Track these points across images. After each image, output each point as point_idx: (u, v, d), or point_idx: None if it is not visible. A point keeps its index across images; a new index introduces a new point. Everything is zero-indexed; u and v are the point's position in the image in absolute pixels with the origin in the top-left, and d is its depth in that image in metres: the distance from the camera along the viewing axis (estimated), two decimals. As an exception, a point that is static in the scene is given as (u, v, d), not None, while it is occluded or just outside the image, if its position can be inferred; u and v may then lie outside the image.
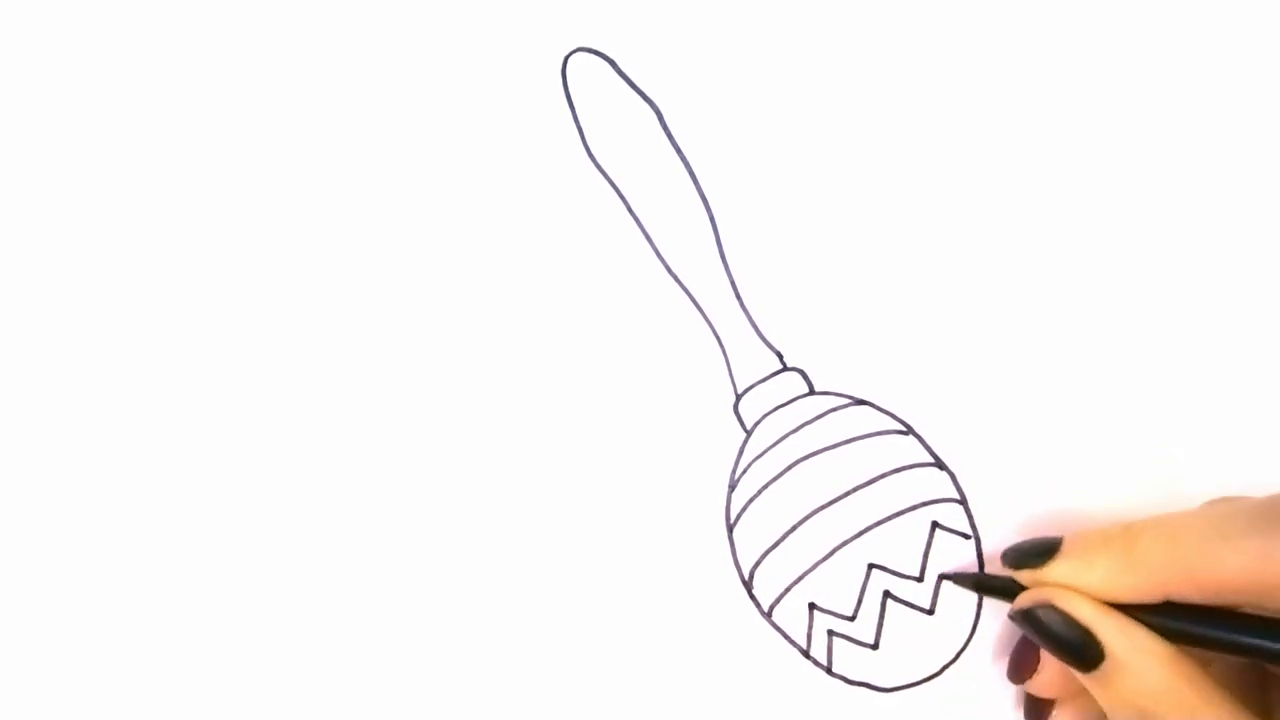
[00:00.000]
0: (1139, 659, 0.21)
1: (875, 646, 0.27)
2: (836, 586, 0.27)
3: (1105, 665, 0.21)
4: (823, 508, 0.27)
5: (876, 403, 0.27)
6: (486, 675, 0.27)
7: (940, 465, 0.27)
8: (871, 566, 0.27)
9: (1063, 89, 0.28)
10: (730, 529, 0.27)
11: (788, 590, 0.27)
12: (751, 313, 0.27)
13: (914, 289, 0.28)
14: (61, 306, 0.27)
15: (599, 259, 0.27)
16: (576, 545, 0.27)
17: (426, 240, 0.27)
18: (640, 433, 0.27)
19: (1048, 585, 0.22)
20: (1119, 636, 0.21)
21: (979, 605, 0.27)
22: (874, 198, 0.28)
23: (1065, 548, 0.22)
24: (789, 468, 0.27)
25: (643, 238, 0.27)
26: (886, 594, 0.27)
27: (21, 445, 0.27)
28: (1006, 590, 0.24)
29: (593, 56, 0.27)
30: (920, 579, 0.27)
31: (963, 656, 0.27)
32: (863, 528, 0.27)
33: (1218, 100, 0.28)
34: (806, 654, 0.27)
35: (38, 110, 0.28)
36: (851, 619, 0.27)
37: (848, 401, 0.27)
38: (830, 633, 0.27)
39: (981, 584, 0.26)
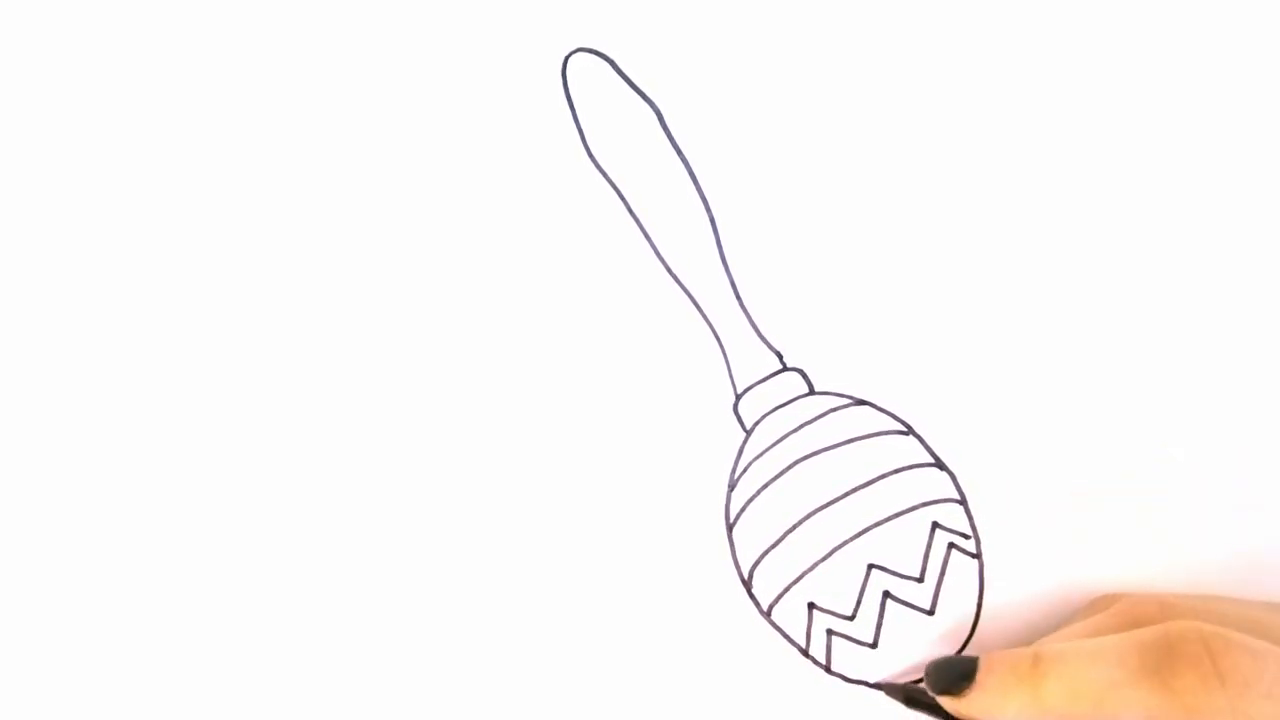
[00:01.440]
0: None
1: (874, 646, 0.27)
2: (836, 586, 0.27)
3: None
4: (822, 508, 0.27)
5: (876, 403, 0.27)
6: (486, 675, 0.27)
7: (940, 465, 0.27)
8: (871, 566, 0.27)
9: (1063, 89, 0.28)
10: (730, 529, 0.27)
11: (787, 590, 0.27)
12: (751, 313, 0.27)
13: (914, 289, 0.27)
14: (62, 306, 0.27)
15: (599, 259, 0.27)
16: (576, 544, 0.27)
17: (426, 240, 0.27)
18: (640, 432, 0.27)
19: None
20: None
21: (979, 606, 0.27)
22: (874, 197, 0.28)
23: (980, 678, 0.23)
24: (789, 468, 0.27)
25: (643, 238, 0.27)
26: (886, 594, 0.27)
27: (21, 445, 0.27)
28: (935, 707, 0.25)
29: (593, 56, 0.27)
30: (920, 579, 0.27)
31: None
32: (862, 528, 0.27)
33: (1217, 98, 0.28)
34: (806, 653, 0.27)
35: (38, 110, 0.28)
36: (851, 619, 0.27)
37: (848, 401, 0.27)
38: (829, 632, 0.27)
39: (910, 698, 0.26)
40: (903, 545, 0.27)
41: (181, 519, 0.27)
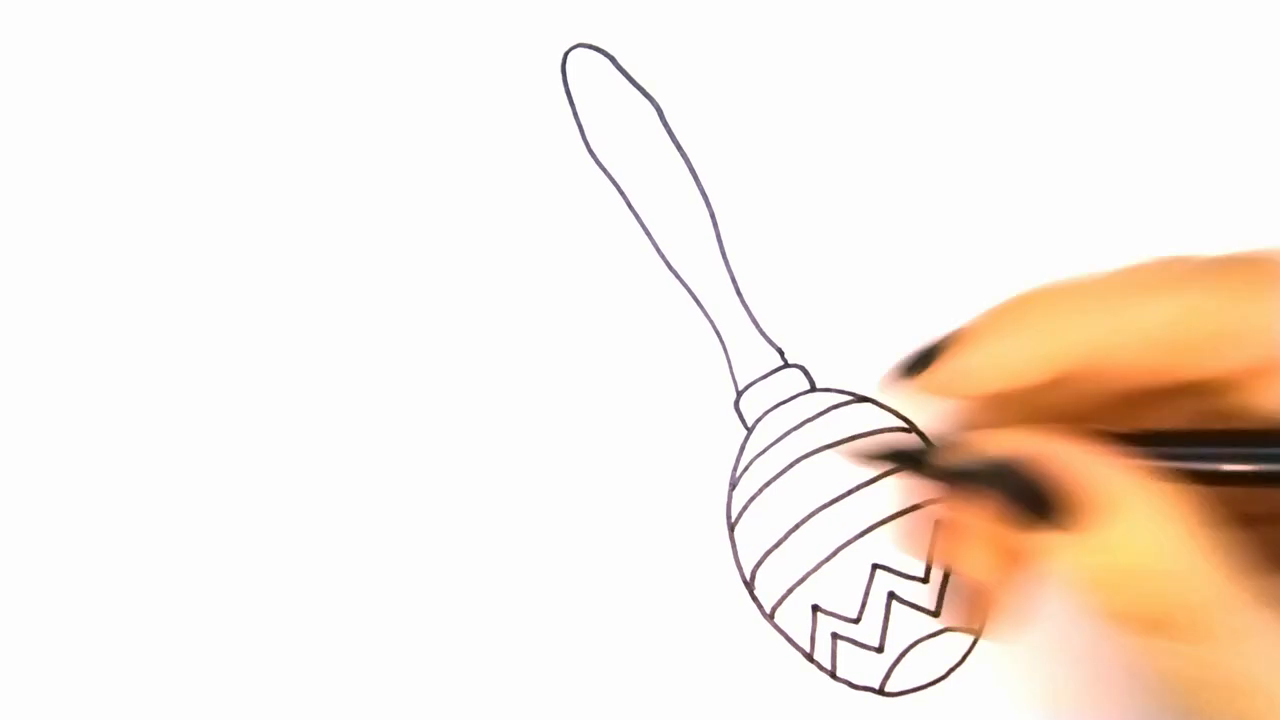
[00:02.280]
0: (1142, 515, 0.16)
1: (880, 649, 0.26)
2: (840, 588, 0.27)
3: (1096, 526, 0.16)
4: (825, 506, 0.27)
5: (878, 399, 0.27)
6: (486, 675, 0.26)
7: (943, 464, 0.27)
8: (875, 567, 0.27)
9: (1063, 89, 0.28)
10: (731, 528, 0.27)
11: (790, 591, 0.26)
12: (752, 309, 0.27)
13: (915, 285, 0.28)
14: (62, 306, 0.27)
15: (599, 255, 0.27)
16: (576, 544, 0.27)
17: (426, 237, 0.27)
18: (641, 430, 0.27)
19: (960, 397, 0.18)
20: (1117, 485, 0.16)
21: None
22: (875, 194, 0.28)
23: (955, 337, 0.18)
24: (790, 465, 0.27)
25: (643, 234, 0.27)
26: (891, 595, 0.27)
27: (21, 445, 0.27)
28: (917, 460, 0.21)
29: (593, 52, 0.28)
30: (925, 579, 0.27)
31: (968, 659, 0.27)
32: (866, 527, 0.27)
33: (1217, 101, 0.28)
34: (810, 657, 0.26)
35: (38, 110, 0.28)
36: (856, 621, 0.26)
37: (849, 398, 0.27)
38: (834, 635, 0.26)
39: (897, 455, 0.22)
40: (907, 545, 0.27)
41: (182, 519, 0.27)
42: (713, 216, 0.27)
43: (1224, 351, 0.15)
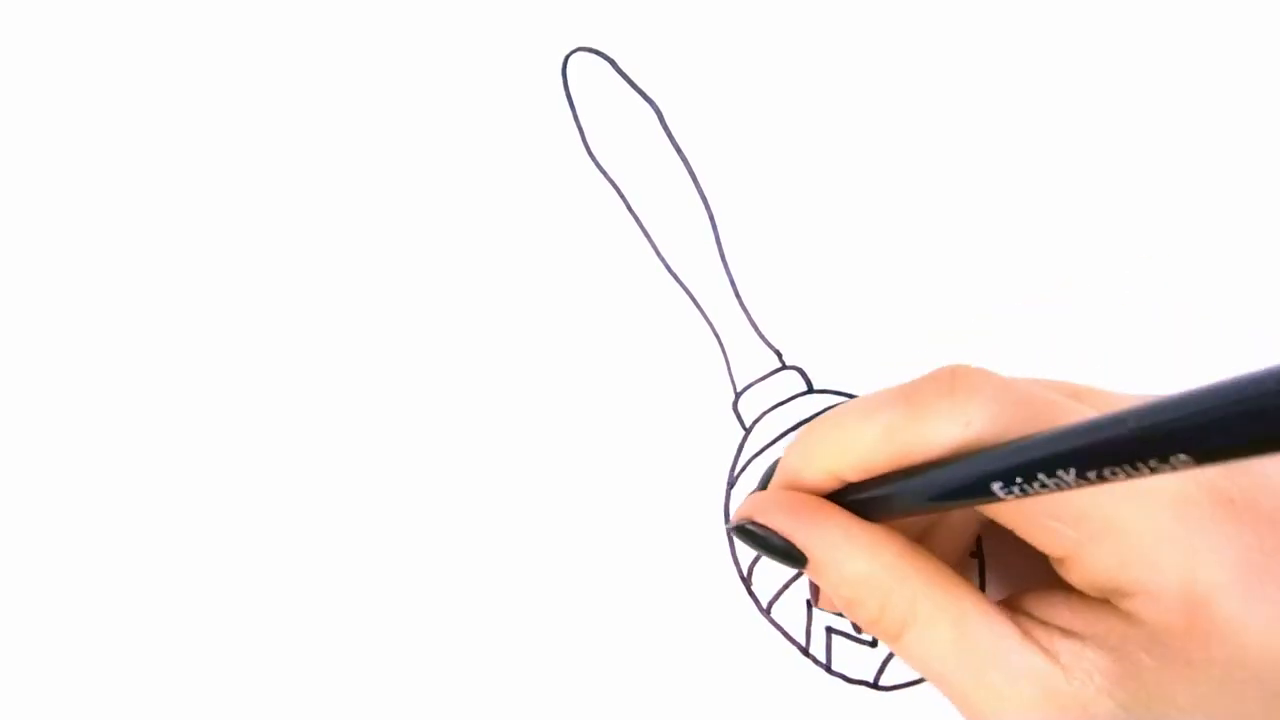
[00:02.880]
0: (832, 553, 0.21)
1: (874, 644, 0.27)
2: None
3: (810, 564, 0.22)
4: (821, 505, 0.27)
5: (875, 401, 0.27)
6: (486, 674, 0.27)
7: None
8: (870, 564, 0.27)
9: (1062, 90, 0.28)
10: (729, 527, 0.27)
11: (786, 587, 0.27)
12: (750, 311, 0.27)
13: (913, 287, 0.28)
14: (62, 306, 0.27)
15: (599, 258, 0.27)
16: (576, 543, 0.27)
17: (426, 239, 0.27)
18: (640, 431, 0.27)
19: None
20: (810, 535, 0.22)
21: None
22: (873, 197, 0.28)
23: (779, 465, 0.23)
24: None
25: (643, 237, 0.27)
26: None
27: (21, 445, 0.27)
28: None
29: (593, 56, 0.28)
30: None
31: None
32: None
33: (1217, 101, 0.28)
34: (806, 652, 0.27)
35: (38, 110, 0.28)
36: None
37: (846, 399, 0.27)
38: (829, 630, 0.27)
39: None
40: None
41: (182, 519, 0.27)
42: (712, 219, 0.28)
43: (914, 457, 0.20)
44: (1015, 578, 0.24)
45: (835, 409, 0.22)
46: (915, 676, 0.27)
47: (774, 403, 0.27)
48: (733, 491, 0.27)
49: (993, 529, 0.25)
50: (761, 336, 0.27)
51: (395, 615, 0.27)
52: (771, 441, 0.27)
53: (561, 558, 0.27)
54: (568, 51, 0.27)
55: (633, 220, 0.27)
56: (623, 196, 0.27)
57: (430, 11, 0.28)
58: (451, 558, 0.27)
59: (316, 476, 0.27)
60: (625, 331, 0.27)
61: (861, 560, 0.21)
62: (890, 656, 0.27)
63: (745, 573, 0.27)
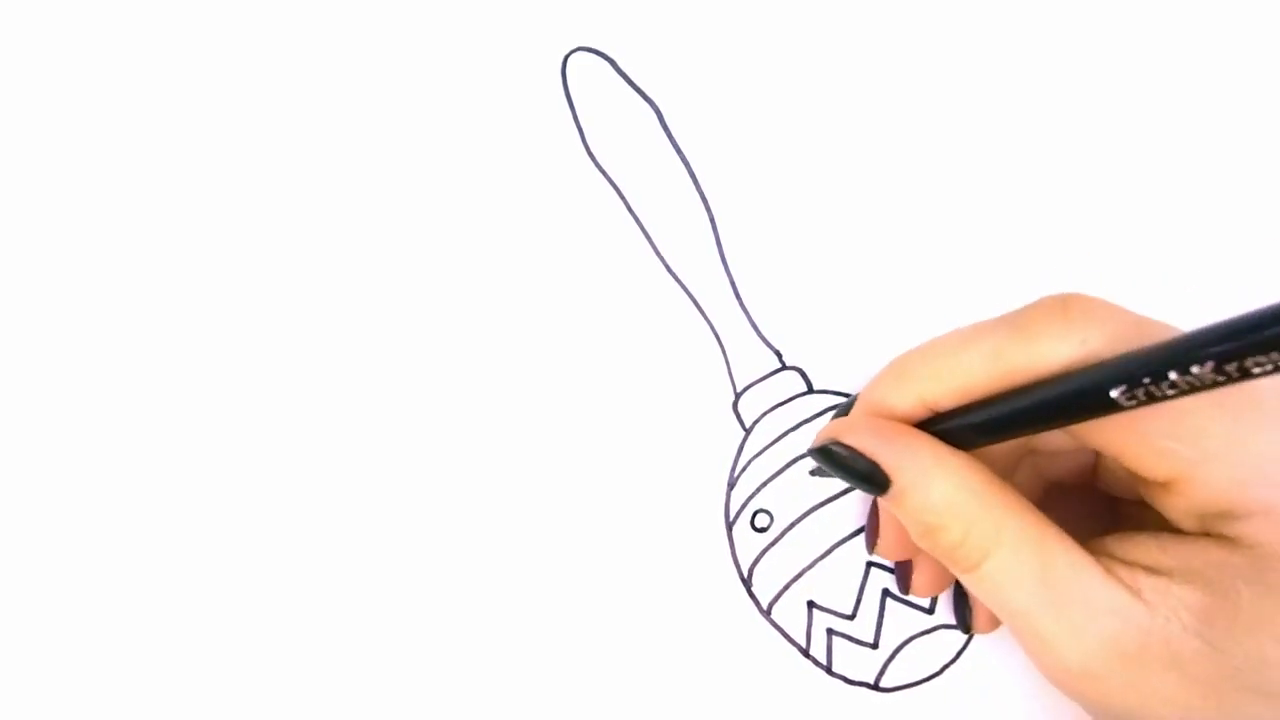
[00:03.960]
0: (920, 476, 0.21)
1: (875, 646, 0.27)
2: (835, 585, 0.27)
3: (893, 488, 0.21)
4: (821, 505, 0.27)
5: (875, 401, 0.27)
6: (486, 674, 0.27)
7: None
8: (870, 565, 0.27)
9: (1061, 91, 0.28)
10: (729, 527, 0.27)
11: (786, 588, 0.27)
12: (751, 312, 0.27)
13: (912, 288, 0.28)
14: (62, 306, 0.27)
15: (599, 258, 0.27)
16: (576, 543, 0.27)
17: (426, 239, 0.27)
18: (640, 431, 0.27)
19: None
20: (899, 457, 0.21)
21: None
22: (873, 197, 0.28)
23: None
24: (788, 465, 0.27)
25: (643, 237, 0.27)
26: (885, 592, 0.27)
27: (21, 445, 0.27)
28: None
29: (593, 56, 0.28)
30: (919, 577, 0.27)
31: (962, 656, 0.27)
32: (861, 525, 0.27)
33: (1217, 102, 0.28)
34: (806, 653, 0.27)
35: (38, 110, 0.28)
36: (851, 618, 0.27)
37: (846, 400, 0.27)
38: (830, 631, 0.27)
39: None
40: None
41: (182, 519, 0.27)
42: (712, 219, 0.28)
43: (1022, 377, 0.20)
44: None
45: (927, 341, 0.22)
46: (916, 678, 0.27)
47: (774, 403, 0.27)
48: (733, 492, 0.27)
49: (1049, 498, 0.25)
50: (761, 337, 0.27)
51: (395, 616, 0.27)
52: (772, 442, 0.27)
53: (561, 558, 0.27)
54: (567, 51, 0.27)
55: (633, 220, 0.27)
56: (623, 196, 0.27)
57: (430, 11, 0.28)
58: (452, 558, 0.27)
59: (316, 476, 0.27)
60: (625, 332, 0.27)
61: (950, 483, 0.21)
62: (891, 658, 0.27)
63: (745, 573, 0.27)
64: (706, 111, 0.28)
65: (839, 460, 0.22)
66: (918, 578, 0.26)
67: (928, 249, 0.28)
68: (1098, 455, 0.24)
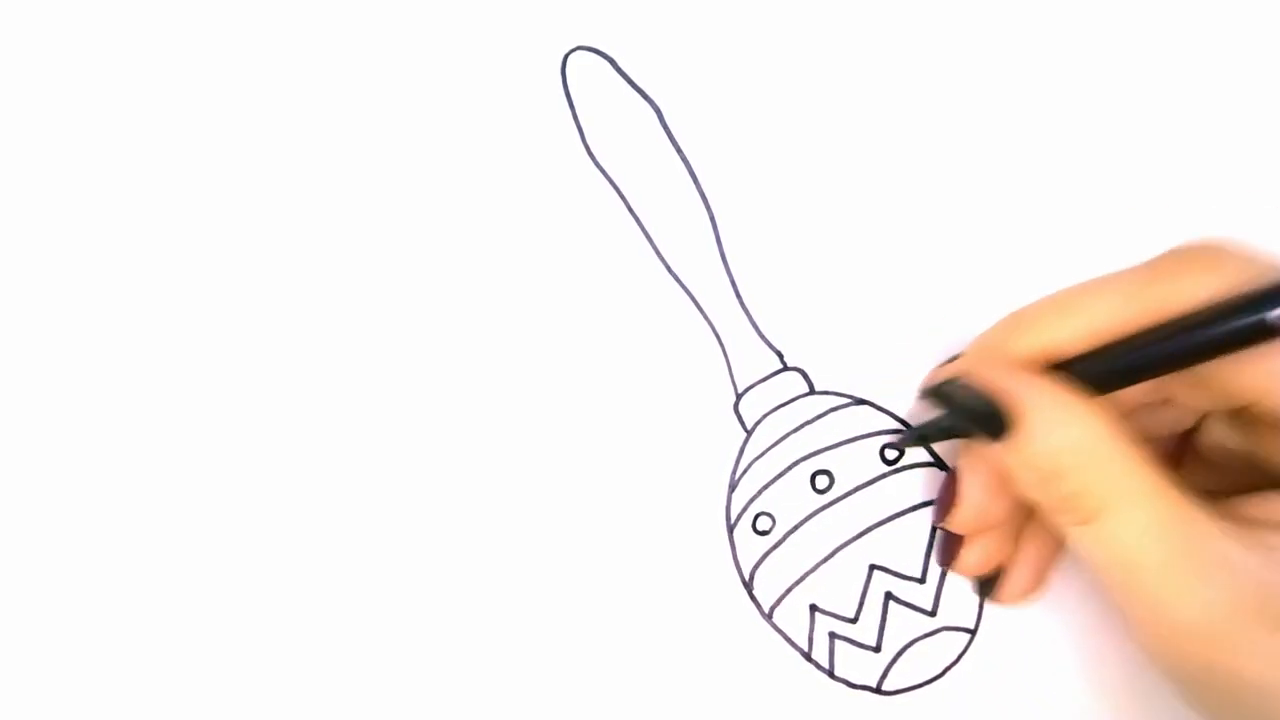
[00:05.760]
0: (1049, 416, 0.20)
1: (877, 649, 0.27)
2: (838, 588, 0.27)
3: (1019, 429, 0.20)
4: (823, 508, 0.27)
5: (877, 402, 0.27)
6: (486, 675, 0.26)
7: (940, 465, 0.27)
8: (873, 568, 0.27)
9: (1062, 90, 0.28)
10: (730, 529, 0.27)
11: (788, 591, 0.27)
12: (752, 312, 0.27)
13: (914, 289, 0.28)
14: (61, 307, 0.27)
15: (599, 258, 0.27)
16: (576, 545, 0.27)
17: (425, 239, 0.27)
18: (640, 432, 0.27)
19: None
20: (1029, 393, 0.20)
21: (980, 608, 0.27)
22: (874, 197, 0.28)
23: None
24: (789, 467, 0.27)
25: (643, 237, 0.27)
26: (888, 595, 0.27)
27: (21, 445, 0.27)
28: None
29: (593, 55, 0.27)
30: (922, 580, 0.27)
31: (965, 658, 0.27)
32: (863, 528, 0.27)
33: (1217, 102, 0.28)
34: (808, 657, 0.27)
35: (38, 110, 0.27)
36: (853, 621, 0.27)
37: (848, 401, 0.27)
38: (832, 635, 0.27)
39: (925, 436, 0.26)
40: (904, 546, 0.27)
41: (182, 519, 0.27)
42: (712, 219, 0.27)
43: (1162, 314, 0.19)
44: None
45: (1050, 293, 0.21)
46: (919, 681, 0.27)
47: (776, 404, 0.27)
48: (734, 494, 0.27)
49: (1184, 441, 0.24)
50: (762, 337, 0.27)
51: (396, 619, 0.26)
52: (773, 443, 0.27)
53: (562, 560, 0.27)
54: (567, 51, 0.27)
55: (633, 220, 0.27)
56: (623, 196, 0.27)
57: (430, 11, 0.27)
58: (452, 560, 0.27)
59: (316, 477, 0.27)
60: (626, 332, 0.27)
61: (1076, 426, 0.20)
62: (894, 661, 0.27)
63: (747, 576, 0.27)
64: (706, 111, 0.27)
65: (958, 398, 0.21)
66: (969, 553, 0.25)
67: (929, 249, 0.28)
68: (1203, 418, 0.24)
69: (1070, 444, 0.20)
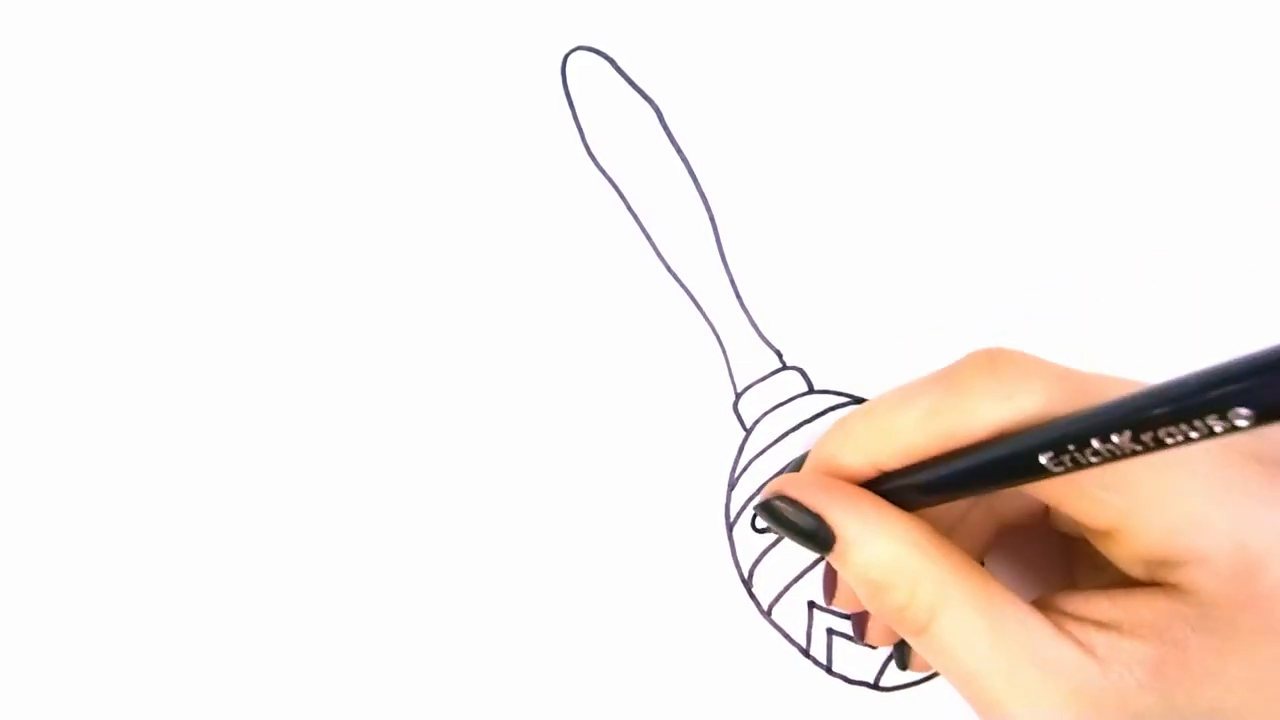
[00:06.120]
0: (865, 534, 0.21)
1: (874, 645, 0.27)
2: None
3: (837, 545, 0.21)
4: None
5: (876, 401, 0.27)
6: (486, 674, 0.27)
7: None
8: (871, 565, 0.27)
9: (1062, 90, 0.28)
10: (730, 528, 0.27)
11: (787, 589, 0.27)
12: (751, 311, 0.27)
13: (913, 288, 0.28)
14: (61, 307, 0.27)
15: (599, 258, 0.27)
16: (576, 544, 0.27)
17: (425, 239, 0.27)
18: (640, 432, 0.27)
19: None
20: (845, 514, 0.21)
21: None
22: (873, 197, 0.28)
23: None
24: (788, 466, 0.27)
25: (643, 237, 0.27)
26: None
27: (21, 445, 0.27)
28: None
29: (592, 55, 0.27)
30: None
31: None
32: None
33: (1217, 102, 0.28)
34: (806, 653, 0.27)
35: (38, 110, 0.27)
36: (850, 618, 0.27)
37: (847, 400, 0.27)
38: (830, 631, 0.27)
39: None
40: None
41: (182, 519, 0.27)
42: (712, 219, 0.27)
43: (957, 439, 0.20)
44: (1025, 590, 0.23)
45: (872, 400, 0.22)
46: (915, 677, 0.27)
47: (775, 403, 0.27)
48: (733, 493, 0.27)
49: (1003, 539, 0.25)
50: (762, 337, 0.27)
51: (396, 618, 0.27)
52: (772, 442, 0.27)
53: (562, 559, 0.27)
54: (567, 51, 0.27)
55: (633, 220, 0.27)
56: (623, 196, 0.27)
57: (430, 11, 0.27)
58: (452, 559, 0.27)
59: (316, 477, 0.27)
60: (626, 332, 0.27)
61: (896, 542, 0.20)
62: (890, 658, 0.27)
63: (746, 574, 0.27)
64: (706, 111, 0.27)
65: (783, 516, 0.22)
66: (873, 627, 0.26)
67: (929, 248, 0.28)
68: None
69: (885, 558, 0.21)
